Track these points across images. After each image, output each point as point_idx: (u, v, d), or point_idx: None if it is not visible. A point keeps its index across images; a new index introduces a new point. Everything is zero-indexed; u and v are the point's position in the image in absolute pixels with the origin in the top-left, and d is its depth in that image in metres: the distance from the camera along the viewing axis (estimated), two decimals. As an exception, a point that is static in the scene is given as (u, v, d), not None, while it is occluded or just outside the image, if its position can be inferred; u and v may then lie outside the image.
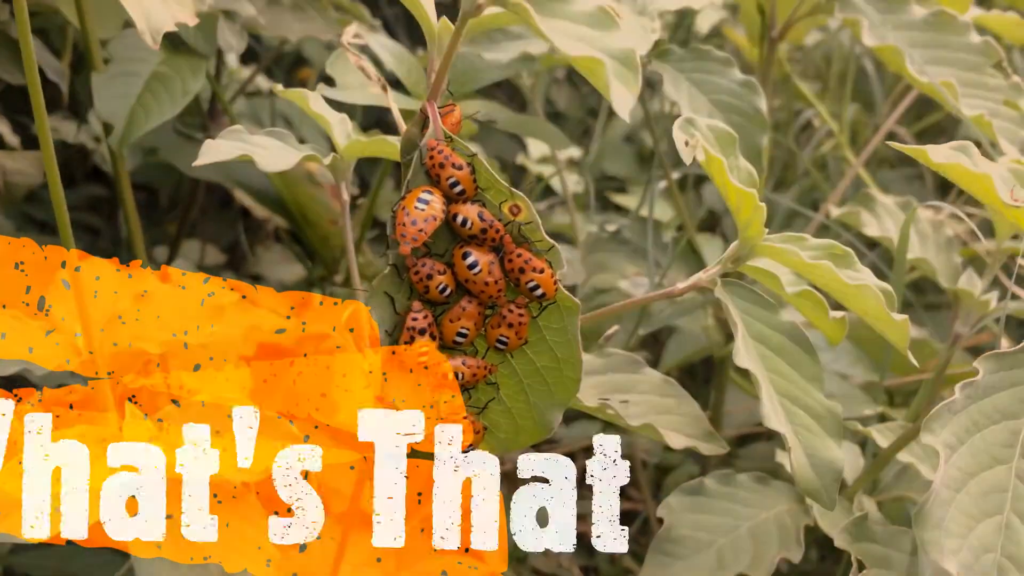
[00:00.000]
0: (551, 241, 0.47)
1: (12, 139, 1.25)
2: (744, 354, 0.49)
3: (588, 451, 1.24)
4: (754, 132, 0.75)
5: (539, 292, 0.47)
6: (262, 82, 1.42)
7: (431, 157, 0.46)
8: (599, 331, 0.81)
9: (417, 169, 0.46)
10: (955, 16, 0.79)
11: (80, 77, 1.14)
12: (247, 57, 1.46)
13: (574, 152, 1.36)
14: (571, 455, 1.26)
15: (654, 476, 1.19)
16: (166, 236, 1.37)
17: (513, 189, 0.46)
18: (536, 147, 1.41)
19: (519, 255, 0.46)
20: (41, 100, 0.57)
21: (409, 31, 1.57)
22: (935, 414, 0.45)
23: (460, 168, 0.45)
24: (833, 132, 1.32)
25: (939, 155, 0.47)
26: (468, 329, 0.48)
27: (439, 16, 0.49)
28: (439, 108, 0.48)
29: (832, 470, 0.50)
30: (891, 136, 1.34)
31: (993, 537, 0.44)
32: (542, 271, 0.46)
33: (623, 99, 0.39)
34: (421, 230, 0.45)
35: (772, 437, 1.14)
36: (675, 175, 1.12)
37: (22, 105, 1.31)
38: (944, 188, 1.29)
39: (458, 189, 0.46)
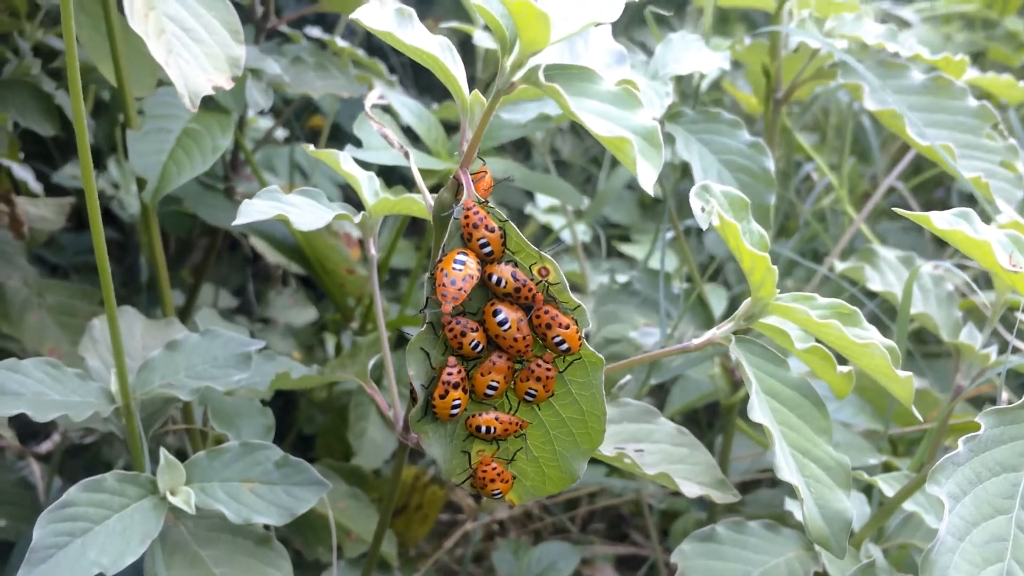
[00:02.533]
0: (577, 300, 0.50)
1: (36, 186, 1.29)
2: (758, 409, 0.52)
3: (592, 497, 1.26)
4: (762, 191, 0.78)
5: (565, 347, 0.50)
6: (278, 131, 1.46)
7: (466, 218, 0.49)
8: (612, 381, 0.84)
9: (453, 233, 0.49)
10: (952, 81, 0.83)
11: (97, 125, 1.17)
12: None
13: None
14: (576, 500, 1.28)
15: (659, 521, 1.21)
16: (180, 281, 1.40)
17: (542, 253, 0.49)
18: (544, 197, 1.44)
19: (547, 312, 0.49)
20: (88, 158, 0.61)
21: (416, 79, 1.61)
22: (940, 466, 0.48)
23: (492, 231, 0.49)
24: (830, 186, 1.36)
25: (942, 222, 0.50)
26: (498, 382, 0.50)
27: (472, 92, 0.52)
28: (472, 175, 0.51)
29: (841, 520, 0.52)
30: (890, 190, 1.37)
31: (995, 584, 0.46)
32: (568, 327, 0.49)
33: (648, 175, 0.42)
34: (460, 289, 0.48)
35: (777, 484, 1.16)
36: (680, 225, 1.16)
37: (44, 153, 1.35)
38: (942, 240, 1.32)
39: (487, 250, 0.49)
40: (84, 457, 1.16)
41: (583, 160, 1.70)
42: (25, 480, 1.05)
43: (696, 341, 0.57)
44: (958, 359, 0.80)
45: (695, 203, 0.52)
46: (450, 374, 0.50)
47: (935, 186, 1.54)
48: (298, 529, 0.99)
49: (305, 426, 1.22)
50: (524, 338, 0.50)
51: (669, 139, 0.80)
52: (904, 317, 0.72)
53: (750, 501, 1.11)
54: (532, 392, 0.51)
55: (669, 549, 1.15)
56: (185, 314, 1.19)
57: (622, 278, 0.91)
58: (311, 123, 1.54)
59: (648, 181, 0.42)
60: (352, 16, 0.49)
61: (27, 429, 1.18)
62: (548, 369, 0.50)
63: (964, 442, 0.49)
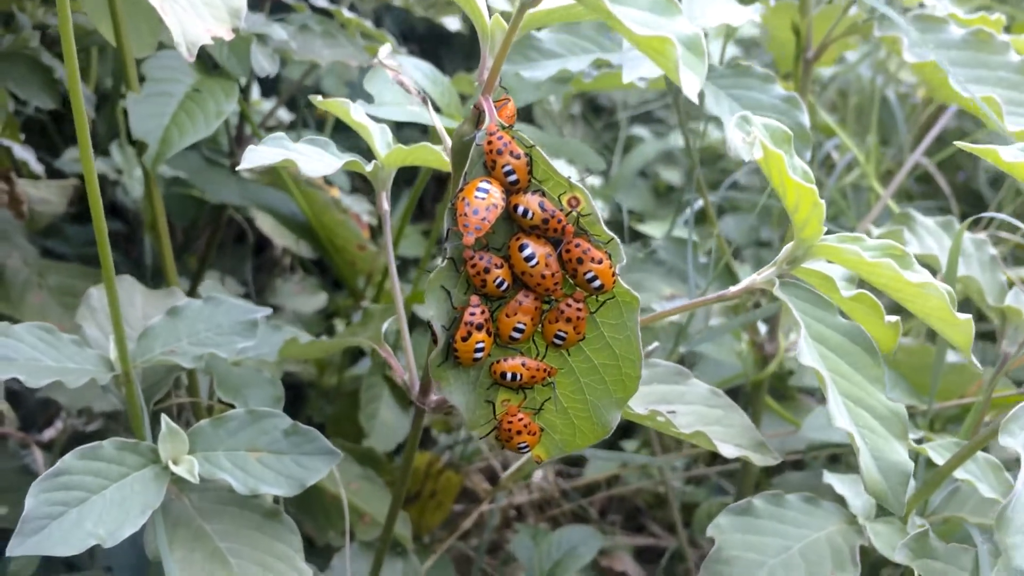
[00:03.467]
0: (610, 233, 0.46)
1: (37, 167, 1.25)
2: (807, 353, 0.48)
3: (611, 482, 1.21)
4: (799, 147, 0.74)
5: (597, 283, 0.46)
6: (283, 115, 1.43)
7: (490, 143, 0.45)
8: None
9: (475, 160, 0.45)
10: (993, 35, 0.79)
11: (102, 112, 1.14)
12: (268, 90, 1.47)
13: (594, 181, 1.35)
14: (596, 485, 1.24)
15: (684, 510, 1.17)
16: (185, 269, 1.36)
17: (573, 181, 0.45)
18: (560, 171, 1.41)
19: (577, 245, 0.45)
20: (86, 127, 0.57)
21: (431, 58, 1.58)
22: (1014, 415, 0.44)
23: (518, 157, 0.45)
24: (851, 164, 1.32)
25: (1008, 154, 0.46)
26: (525, 324, 0.46)
27: (493, 16, 0.48)
28: (494, 102, 0.47)
29: (900, 472, 0.48)
30: (915, 168, 1.33)
31: (1076, 539, 0.42)
32: (600, 262, 0.45)
33: (691, 82, 0.38)
34: (484, 219, 0.44)
35: (804, 465, 1.12)
36: (698, 204, 1.12)
37: (48, 144, 1.32)
38: (965, 214, 1.28)
39: (512, 178, 0.45)
40: (87, 444, 1.12)
41: (596, 146, 1.67)
42: (27, 468, 1.02)
43: (734, 288, 0.53)
44: (1004, 325, 0.76)
45: (735, 134, 0.48)
46: (472, 314, 0.46)
47: (956, 169, 1.50)
48: (309, 511, 0.95)
49: (315, 415, 1.18)
50: (553, 275, 0.46)
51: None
52: (951, 275, 0.68)
53: (777, 484, 1.07)
54: (562, 335, 0.47)
55: (692, 539, 1.11)
56: (191, 295, 1.16)
57: (647, 247, 0.87)
58: (319, 112, 1.51)
59: (692, 88, 0.38)
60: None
61: (30, 417, 1.15)
62: (579, 309, 0.46)
63: (1037, 385, 0.44)
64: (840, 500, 0.70)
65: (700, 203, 1.08)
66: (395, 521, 0.71)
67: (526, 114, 1.45)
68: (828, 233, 0.94)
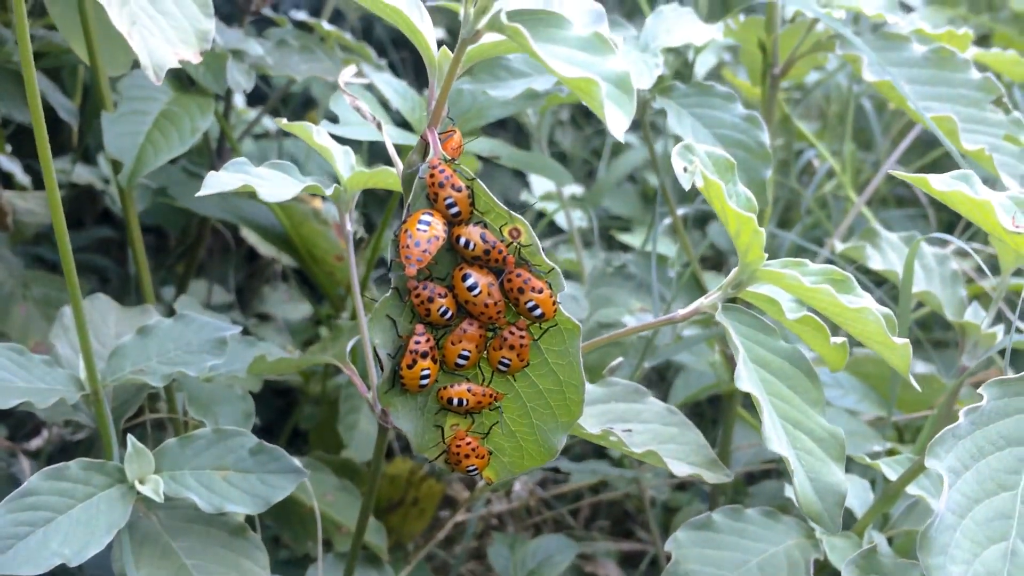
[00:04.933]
0: (551, 263, 0.47)
1: (23, 179, 1.27)
2: (745, 378, 0.49)
3: (595, 489, 1.22)
4: (757, 166, 0.75)
5: (538, 312, 0.47)
6: (269, 124, 1.44)
7: (431, 176, 0.46)
8: (603, 364, 0.81)
9: (418, 193, 0.46)
10: (955, 53, 0.80)
11: (90, 121, 1.15)
12: (255, 99, 1.48)
13: (577, 189, 1.37)
14: (579, 493, 1.25)
15: (661, 517, 1.18)
16: (175, 276, 1.38)
17: (512, 213, 0.47)
18: (539, 185, 1.42)
19: (519, 275, 0.47)
20: (46, 142, 0.58)
21: (417, 74, 1.59)
22: (939, 439, 0.45)
23: (459, 190, 0.46)
24: (834, 171, 1.33)
25: (940, 183, 0.48)
26: (470, 351, 0.48)
27: (440, 48, 0.50)
28: (440, 134, 0.48)
29: (835, 493, 0.50)
30: (891, 176, 1.34)
31: (999, 563, 0.43)
32: (541, 291, 0.47)
33: (617, 120, 0.40)
34: (425, 251, 0.45)
35: (781, 475, 1.13)
36: (680, 211, 1.13)
37: (33, 147, 1.33)
38: (949, 227, 1.29)
39: (454, 211, 0.46)
40: (74, 453, 1.13)
41: (585, 152, 1.68)
42: (14, 477, 1.03)
43: (682, 311, 0.54)
44: (963, 339, 0.77)
45: (677, 163, 0.49)
46: (418, 343, 0.47)
47: (936, 172, 1.51)
48: (287, 522, 0.96)
49: (302, 422, 1.20)
50: (496, 303, 0.47)
51: (661, 114, 0.77)
52: (907, 290, 0.69)
53: (755, 492, 1.08)
54: (506, 361, 0.48)
55: (671, 545, 1.12)
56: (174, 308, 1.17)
57: (617, 261, 0.88)
58: (308, 117, 1.52)
59: (618, 128, 0.40)
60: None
61: (18, 427, 1.16)
62: (522, 336, 0.48)
63: (965, 414, 0.46)
64: (801, 514, 0.71)
65: (681, 211, 1.09)
66: (364, 532, 0.72)
67: (504, 124, 1.47)
68: (801, 248, 0.95)
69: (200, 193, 0.55)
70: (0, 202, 1.12)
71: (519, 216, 0.46)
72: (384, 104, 0.87)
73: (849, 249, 0.82)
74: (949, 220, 1.29)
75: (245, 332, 1.31)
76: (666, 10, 0.79)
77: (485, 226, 0.47)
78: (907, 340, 0.51)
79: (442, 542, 1.12)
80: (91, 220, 1.42)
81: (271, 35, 1.01)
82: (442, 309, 0.47)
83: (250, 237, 1.26)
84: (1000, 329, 0.76)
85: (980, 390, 0.47)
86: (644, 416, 0.63)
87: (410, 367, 0.47)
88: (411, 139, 0.76)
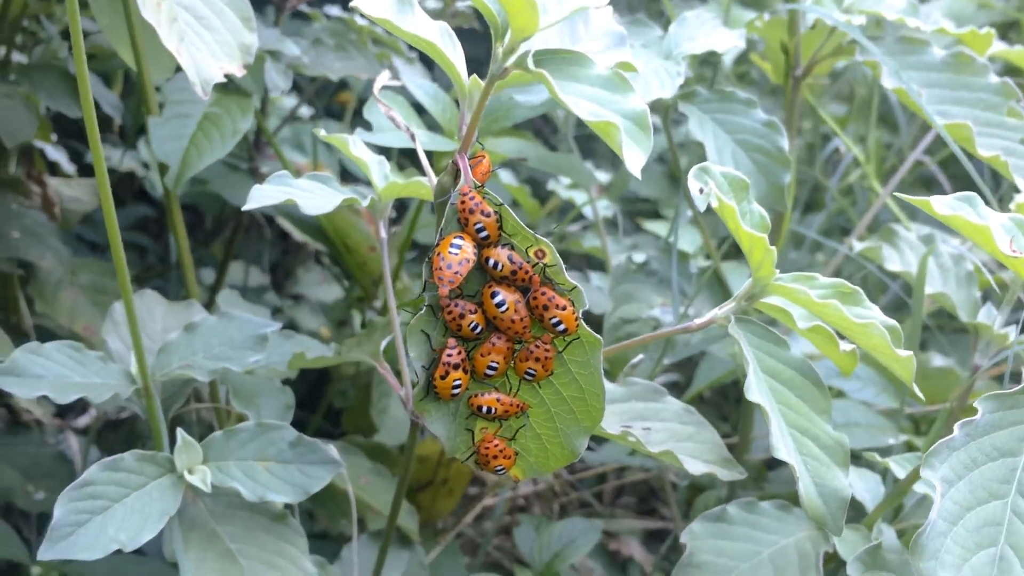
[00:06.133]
0: (573, 282, 0.50)
1: (69, 167, 1.31)
2: (755, 389, 0.52)
3: (619, 472, 1.26)
4: (777, 170, 0.78)
5: (562, 328, 0.50)
6: (303, 108, 1.48)
7: (462, 203, 0.49)
8: (626, 359, 0.84)
9: (450, 217, 0.50)
10: (973, 58, 0.82)
11: (127, 106, 1.20)
12: (292, 86, 1.51)
13: (603, 177, 1.39)
14: (603, 476, 1.28)
15: (686, 495, 1.22)
16: (212, 257, 1.42)
17: (538, 236, 0.50)
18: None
19: (543, 294, 0.50)
20: (98, 138, 0.62)
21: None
22: (934, 451, 0.48)
23: (488, 216, 0.49)
24: (859, 159, 1.34)
25: (942, 207, 0.50)
26: (498, 363, 0.51)
27: (471, 71, 0.53)
28: (470, 160, 0.51)
29: (839, 498, 0.53)
30: (918, 164, 1.35)
31: (987, 568, 0.46)
32: (564, 308, 0.50)
33: (635, 159, 0.43)
34: (457, 272, 0.48)
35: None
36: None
37: (77, 134, 1.38)
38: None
39: (484, 234, 0.49)
40: (120, 431, 1.19)
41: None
42: (63, 454, 1.08)
43: (698, 321, 0.57)
44: (976, 339, 0.79)
45: (693, 185, 0.52)
46: (450, 355, 0.50)
47: (968, 157, 1.52)
48: (323, 504, 1.01)
49: (336, 400, 1.24)
50: (522, 319, 0.50)
51: (683, 119, 0.80)
52: (919, 296, 0.72)
53: (774, 479, 1.11)
54: (532, 372, 0.51)
55: (693, 525, 1.15)
56: (215, 291, 1.21)
57: (639, 257, 0.91)
58: (340, 98, 1.56)
59: (636, 165, 0.43)
60: (352, 4, 0.50)
61: (67, 406, 1.22)
62: (547, 349, 0.51)
63: (960, 427, 0.48)
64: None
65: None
66: (397, 514, 0.76)
67: (534, 122, 1.49)
68: (817, 245, 0.97)
69: (246, 207, 0.59)
70: (48, 193, 1.17)
71: (544, 239, 0.50)
72: (416, 105, 0.90)
73: (867, 250, 0.84)
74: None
75: (279, 311, 1.36)
76: (690, 17, 0.81)
77: (512, 248, 0.50)
78: (911, 353, 0.54)
79: (471, 522, 1.16)
80: (130, 199, 1.47)
81: (307, 33, 1.04)
82: (472, 324, 0.50)
83: (285, 223, 1.30)
84: (1014, 329, 0.79)
85: (976, 403, 0.49)
86: (662, 415, 0.66)
87: (443, 377, 0.50)
88: (441, 143, 0.79)
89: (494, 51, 0.47)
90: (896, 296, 1.09)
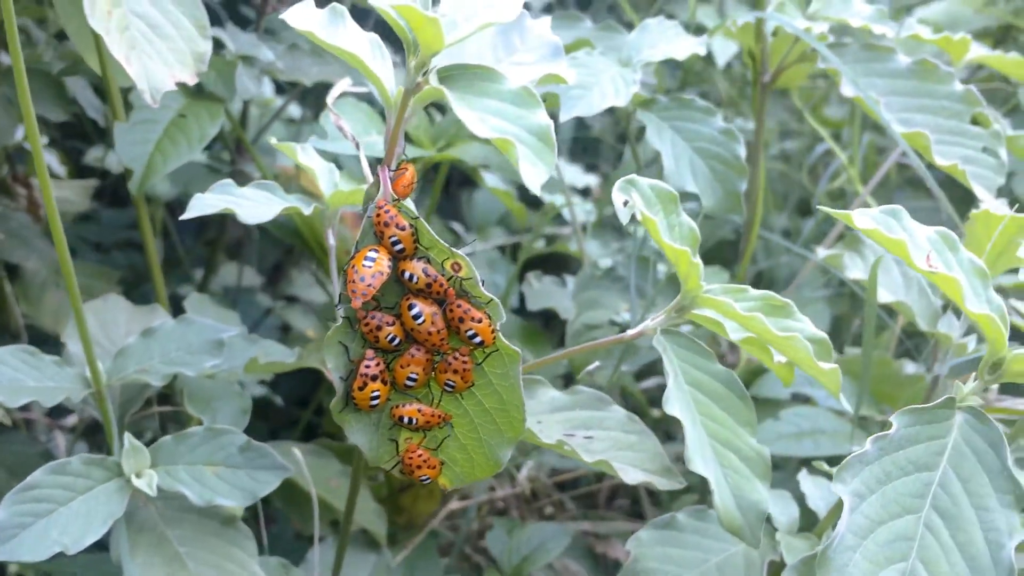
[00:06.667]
0: (489, 295, 0.50)
1: (59, 169, 1.33)
2: (674, 400, 0.52)
3: (602, 475, 1.25)
4: (733, 178, 0.78)
5: (478, 340, 0.51)
6: (294, 109, 1.49)
7: (378, 216, 0.50)
8: (582, 366, 0.84)
9: (366, 230, 0.50)
10: (938, 65, 0.81)
11: (108, 108, 1.21)
12: (281, 86, 1.53)
13: (592, 180, 1.39)
14: (600, 477, 1.28)
15: (675, 498, 1.22)
16: (202, 260, 1.44)
17: (453, 249, 0.50)
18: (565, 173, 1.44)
19: (459, 306, 0.50)
20: (39, 146, 0.62)
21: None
22: (846, 464, 0.48)
23: (403, 229, 0.50)
24: (852, 161, 1.33)
25: (862, 221, 0.50)
26: (417, 374, 0.52)
27: (397, 89, 0.53)
28: (393, 171, 0.52)
29: (756, 510, 0.53)
30: (905, 166, 1.34)
31: (897, 583, 0.46)
32: (480, 321, 0.50)
33: (534, 176, 0.43)
34: (370, 285, 0.49)
35: (779, 465, 1.16)
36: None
37: (72, 135, 1.39)
38: (961, 214, 1.29)
39: (399, 248, 0.50)
40: (104, 430, 1.20)
41: (611, 137, 1.70)
42: (50, 453, 1.10)
43: (631, 332, 0.58)
44: (936, 349, 0.79)
45: (617, 197, 0.52)
46: (367, 367, 0.51)
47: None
48: (296, 505, 1.01)
49: (325, 399, 1.25)
50: (439, 331, 0.51)
51: (641, 126, 0.80)
52: (872, 304, 0.72)
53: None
54: (451, 383, 0.52)
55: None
56: (202, 290, 1.23)
57: (605, 263, 0.91)
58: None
59: (535, 182, 0.43)
60: (281, 16, 0.50)
61: (58, 406, 1.23)
62: (464, 361, 0.51)
63: (873, 441, 0.48)
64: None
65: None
66: (351, 516, 0.76)
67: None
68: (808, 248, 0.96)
69: (184, 216, 0.59)
70: (33, 195, 1.18)
71: (459, 252, 0.50)
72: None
73: (829, 257, 0.84)
74: (962, 207, 1.30)
75: (270, 312, 1.37)
76: (651, 24, 0.81)
77: (428, 261, 0.50)
78: (835, 366, 0.54)
79: (453, 523, 1.17)
80: (129, 199, 1.49)
81: (284, 38, 1.04)
82: (390, 336, 0.51)
83: (268, 226, 1.31)
84: (973, 339, 0.78)
85: (891, 418, 0.49)
86: (607, 423, 0.67)
87: (361, 389, 0.51)
88: (410, 151, 0.79)
89: (408, 66, 0.47)
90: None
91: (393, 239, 0.49)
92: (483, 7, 0.46)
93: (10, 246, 1.08)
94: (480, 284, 0.50)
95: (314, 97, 1.57)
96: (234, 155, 1.14)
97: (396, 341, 0.51)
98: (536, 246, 1.31)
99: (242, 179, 1.15)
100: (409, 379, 0.52)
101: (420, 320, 0.50)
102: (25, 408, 1.11)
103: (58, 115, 1.05)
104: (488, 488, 1.16)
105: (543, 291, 1.07)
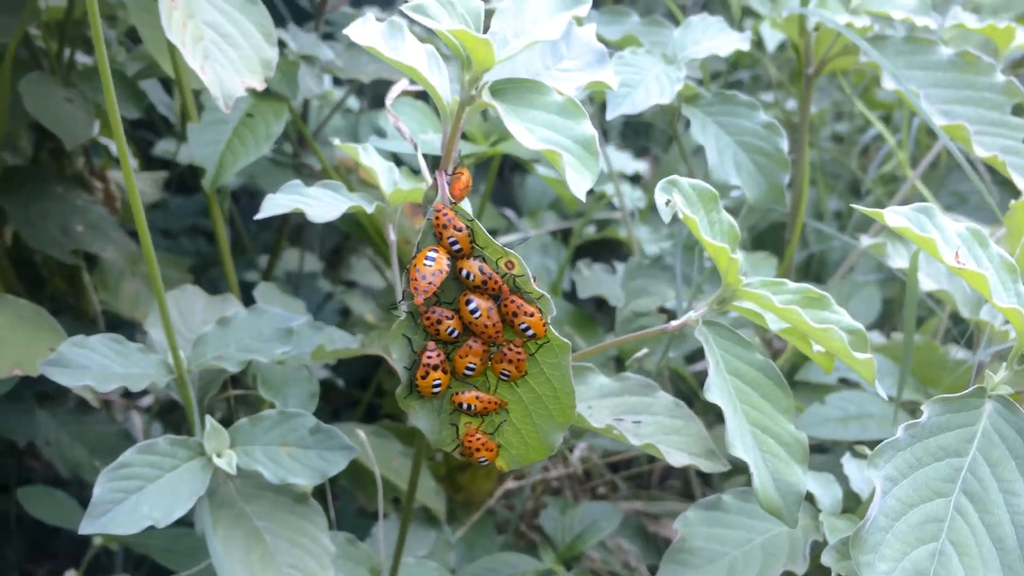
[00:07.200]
0: (540, 291, 0.54)
1: (132, 162, 1.39)
2: (715, 389, 0.55)
3: (653, 457, 1.28)
4: (776, 171, 0.80)
5: (530, 332, 0.55)
6: (351, 101, 1.53)
7: (437, 218, 0.54)
8: (630, 353, 0.88)
9: (426, 231, 0.54)
10: (980, 56, 0.82)
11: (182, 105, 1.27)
12: (339, 78, 1.57)
13: (641, 167, 1.42)
14: (651, 458, 1.31)
15: (726, 478, 1.25)
16: (265, 247, 1.49)
17: (507, 248, 0.54)
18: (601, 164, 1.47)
19: (512, 301, 0.54)
20: (124, 145, 0.67)
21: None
22: (879, 450, 0.51)
23: (460, 230, 0.54)
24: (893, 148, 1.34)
25: (894, 219, 0.53)
26: (475, 364, 0.56)
27: (453, 98, 0.57)
28: (450, 175, 0.56)
29: (794, 492, 0.56)
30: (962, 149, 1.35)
31: (926, 563, 0.49)
32: (532, 315, 0.54)
33: (579, 184, 0.46)
34: (430, 283, 0.53)
35: (826, 449, 1.18)
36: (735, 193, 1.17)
37: (142, 127, 1.46)
38: (1012, 198, 1.29)
39: (457, 247, 0.54)
40: (180, 410, 1.27)
41: (662, 121, 1.71)
42: (127, 432, 1.16)
43: (674, 323, 0.61)
44: (978, 335, 0.81)
45: (659, 197, 0.56)
46: (429, 357, 0.55)
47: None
48: (361, 484, 1.07)
49: (385, 381, 1.30)
50: (494, 324, 0.55)
51: (685, 122, 0.83)
52: (912, 291, 0.74)
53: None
54: (506, 373, 0.56)
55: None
56: (267, 277, 1.28)
57: (653, 251, 0.94)
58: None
59: (580, 190, 0.46)
60: (344, 32, 0.54)
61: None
62: (518, 352, 0.55)
63: (905, 428, 0.51)
64: (808, 498, 0.77)
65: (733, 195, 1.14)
66: (414, 494, 0.81)
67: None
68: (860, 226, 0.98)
69: (258, 216, 0.64)
70: (110, 188, 1.25)
71: (512, 251, 0.54)
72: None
73: (872, 246, 0.86)
74: (1010, 193, 1.30)
75: (331, 297, 1.42)
76: (695, 22, 0.84)
77: (484, 259, 0.54)
78: (870, 356, 0.56)
79: (508, 502, 1.21)
80: (197, 187, 1.55)
81: (342, 37, 1.09)
82: (449, 329, 0.55)
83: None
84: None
85: (923, 406, 0.52)
86: (654, 408, 0.70)
87: (423, 377, 0.55)
88: (466, 147, 0.83)
89: (463, 81, 0.51)
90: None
91: (451, 240, 0.53)
92: (531, 24, 0.50)
93: (89, 237, 1.14)
94: (532, 281, 0.54)
95: (371, 89, 1.61)
96: (296, 148, 1.19)
97: (455, 334, 0.55)
98: (587, 232, 1.34)
99: (303, 171, 1.20)
100: (467, 368, 0.56)
101: (477, 314, 0.54)
102: (102, 389, 1.17)
103: (132, 112, 1.11)
104: (542, 468, 1.20)
105: (593, 279, 1.10)
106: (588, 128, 0.48)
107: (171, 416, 1.29)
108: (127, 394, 1.27)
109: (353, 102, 1.54)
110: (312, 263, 1.53)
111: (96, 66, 1.17)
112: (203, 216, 1.53)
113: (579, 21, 0.65)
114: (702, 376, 1.23)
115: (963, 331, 1.15)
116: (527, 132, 0.47)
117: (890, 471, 0.50)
